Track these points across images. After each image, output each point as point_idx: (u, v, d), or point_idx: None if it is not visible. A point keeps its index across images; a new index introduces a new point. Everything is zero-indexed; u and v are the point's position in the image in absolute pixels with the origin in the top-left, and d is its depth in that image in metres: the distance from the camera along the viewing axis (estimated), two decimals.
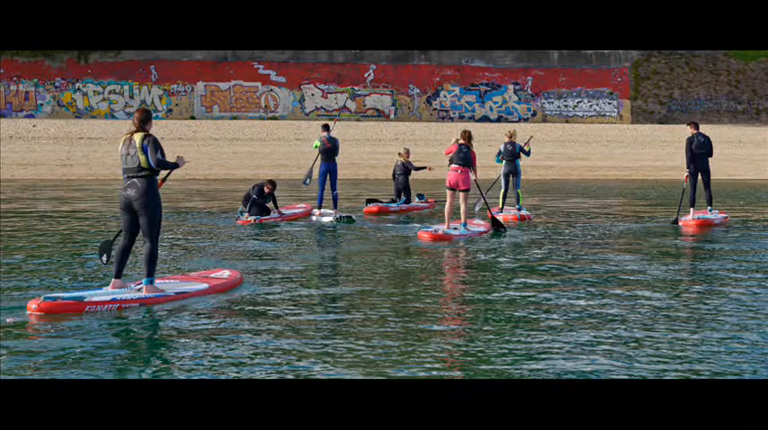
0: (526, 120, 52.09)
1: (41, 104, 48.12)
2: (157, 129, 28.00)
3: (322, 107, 50.64)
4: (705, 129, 19.90)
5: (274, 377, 6.51)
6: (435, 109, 51.86)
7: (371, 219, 18.07)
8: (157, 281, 9.36)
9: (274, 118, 49.82)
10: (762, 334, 7.87)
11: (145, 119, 9.11)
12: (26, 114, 47.58)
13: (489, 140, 37.04)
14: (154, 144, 8.94)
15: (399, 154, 20.20)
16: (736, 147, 43.05)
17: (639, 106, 53.39)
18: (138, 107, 31.86)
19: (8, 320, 8.07)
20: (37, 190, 25.51)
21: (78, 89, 48.50)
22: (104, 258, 9.91)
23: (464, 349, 7.39)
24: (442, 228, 14.78)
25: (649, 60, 54.09)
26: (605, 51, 52.89)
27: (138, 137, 8.98)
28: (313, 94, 50.72)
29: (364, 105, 51.18)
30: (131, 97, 48.90)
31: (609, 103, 53.09)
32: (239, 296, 9.46)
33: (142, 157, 8.93)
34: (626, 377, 6.53)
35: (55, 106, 48.20)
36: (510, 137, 18.10)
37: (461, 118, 51.73)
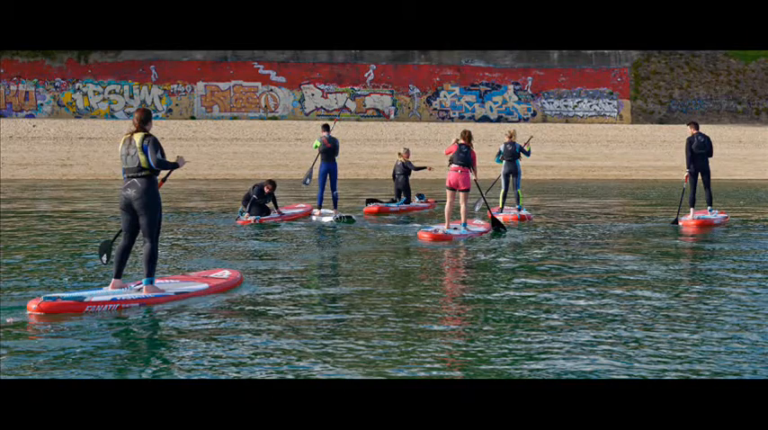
0: (526, 120, 52.09)
1: (41, 104, 48.13)
2: (157, 129, 28.02)
3: (322, 107, 50.65)
4: (705, 129, 19.90)
5: (274, 377, 6.50)
6: (435, 109, 51.87)
7: (371, 219, 18.06)
8: (157, 281, 9.36)
9: (274, 118, 49.83)
10: (762, 334, 7.87)
11: (145, 119, 9.11)
12: (26, 114, 47.59)
13: (489, 140, 37.06)
14: (154, 144, 8.95)
15: (399, 154, 20.20)
16: (736, 147, 43.05)
17: (639, 106, 53.39)
18: (138, 107, 31.94)
19: (8, 320, 8.07)
20: (37, 190, 25.51)
21: (78, 89, 48.51)
22: (104, 258, 9.91)
23: (464, 349, 7.39)
24: (442, 228, 14.78)
25: (649, 60, 54.09)
26: (605, 51, 52.89)
27: (138, 137, 8.99)
28: (313, 94, 50.73)
29: (364, 105, 51.18)
30: (131, 97, 48.91)
31: (609, 103, 53.09)
32: (239, 296, 9.46)
33: (142, 157, 8.93)
34: (626, 377, 6.53)
35: (55, 106, 48.21)
36: (510, 137, 18.10)
37: (461, 118, 51.73)
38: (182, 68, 49.29)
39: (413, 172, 20.03)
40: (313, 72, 50.65)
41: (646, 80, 53.76)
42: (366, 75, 51.28)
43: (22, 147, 37.44)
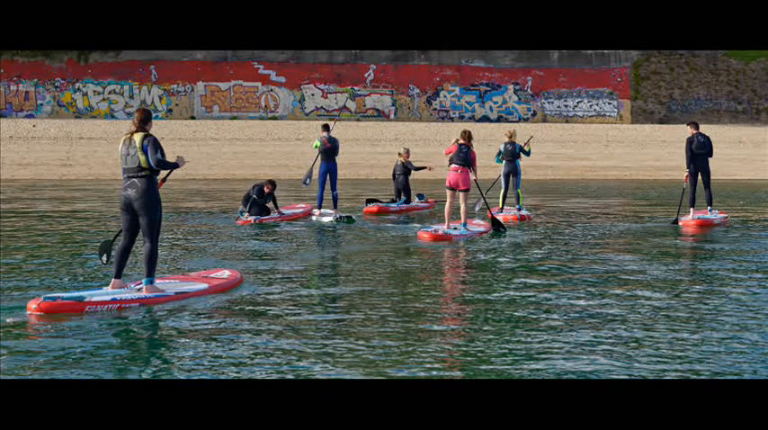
0: (526, 120, 52.09)
1: (41, 104, 48.13)
2: (157, 129, 27.97)
3: (322, 107, 50.64)
4: (705, 129, 19.88)
5: (274, 377, 6.50)
6: (435, 109, 51.86)
7: (371, 219, 18.06)
8: (157, 281, 9.36)
9: (274, 118, 49.82)
10: (762, 334, 7.87)
11: (145, 119, 9.11)
12: (26, 114, 47.58)
13: (489, 140, 37.04)
14: (154, 144, 8.95)
15: (399, 154, 20.20)
16: (736, 147, 43.03)
17: (639, 106, 53.39)
18: (138, 107, 31.92)
19: (8, 320, 8.07)
20: (37, 190, 25.51)
21: (78, 89, 48.51)
22: (104, 258, 9.91)
23: (464, 349, 7.39)
24: (442, 228, 14.78)
25: (649, 60, 54.09)
26: (605, 51, 52.89)
27: (138, 137, 8.99)
28: (313, 94, 50.73)
29: (364, 105, 51.18)
30: (131, 97, 48.91)
31: (609, 103, 53.09)
32: (239, 296, 9.46)
33: (142, 157, 8.93)
34: (626, 377, 6.53)
35: (55, 106, 48.21)
36: (510, 137, 18.11)
37: (461, 118, 51.73)
38: (182, 68, 49.29)
39: (413, 172, 20.03)
40: (313, 72, 50.64)
41: (646, 80, 53.76)
42: (366, 75, 51.28)
43: (22, 147, 37.44)
